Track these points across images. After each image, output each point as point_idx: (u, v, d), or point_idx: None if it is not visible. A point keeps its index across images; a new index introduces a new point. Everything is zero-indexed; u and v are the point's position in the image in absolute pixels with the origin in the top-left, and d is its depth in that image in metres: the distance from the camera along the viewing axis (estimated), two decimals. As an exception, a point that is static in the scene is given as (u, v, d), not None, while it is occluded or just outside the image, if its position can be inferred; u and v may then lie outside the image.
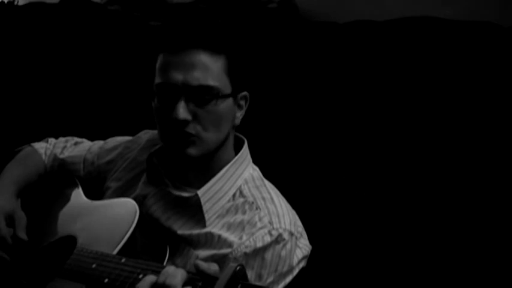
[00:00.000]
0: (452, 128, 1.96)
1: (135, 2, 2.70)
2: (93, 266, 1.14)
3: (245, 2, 2.53)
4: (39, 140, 1.64)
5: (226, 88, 1.25)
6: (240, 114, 1.31)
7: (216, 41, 1.25)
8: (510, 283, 1.77)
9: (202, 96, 1.21)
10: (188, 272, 0.94)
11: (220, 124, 1.25)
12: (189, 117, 1.21)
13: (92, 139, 1.62)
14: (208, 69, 1.22)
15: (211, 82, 1.22)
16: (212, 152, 1.27)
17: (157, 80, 1.25)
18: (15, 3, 3.06)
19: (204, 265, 0.92)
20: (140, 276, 1.01)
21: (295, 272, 1.24)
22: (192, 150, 1.23)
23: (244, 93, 1.31)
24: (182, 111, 1.20)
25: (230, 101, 1.26)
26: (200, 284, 0.91)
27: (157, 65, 1.26)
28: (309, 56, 2.21)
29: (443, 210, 1.91)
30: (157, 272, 0.98)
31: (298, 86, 2.19)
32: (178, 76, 1.22)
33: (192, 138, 1.23)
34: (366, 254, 1.93)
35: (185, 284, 0.93)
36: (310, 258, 1.29)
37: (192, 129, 1.22)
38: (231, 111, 1.27)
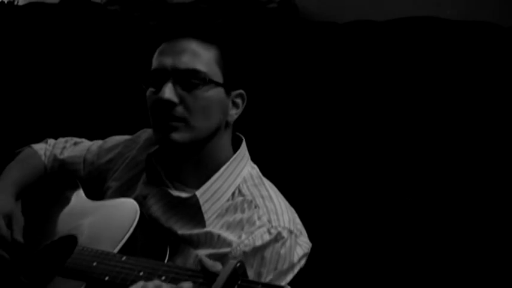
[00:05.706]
0: (452, 127, 1.97)
1: (135, 2, 2.70)
2: (94, 264, 1.14)
3: (245, 2, 2.52)
4: (38, 140, 1.64)
5: (217, 77, 1.25)
6: (235, 113, 1.30)
7: (207, 30, 1.27)
8: (510, 283, 1.77)
9: (190, 79, 1.23)
10: (188, 270, 0.94)
11: (209, 112, 1.24)
12: (174, 98, 1.22)
13: (91, 139, 1.61)
14: (198, 55, 1.24)
15: (199, 67, 1.23)
16: (201, 143, 1.26)
17: (152, 67, 1.28)
18: (15, 3, 3.05)
19: (208, 262, 0.92)
20: (141, 273, 1.01)
21: (296, 269, 1.24)
22: (177, 136, 1.23)
23: (240, 91, 1.30)
24: (168, 92, 1.22)
25: (221, 91, 1.26)
26: (201, 280, 0.91)
27: (154, 55, 1.29)
28: (309, 56, 2.21)
29: (443, 210, 1.91)
30: (157, 271, 0.97)
31: (298, 85, 2.19)
32: (168, 61, 1.24)
33: (177, 123, 1.23)
34: (366, 252, 1.94)
35: (186, 279, 0.94)
36: (310, 256, 1.29)
37: (178, 112, 1.22)
38: (222, 102, 1.27)
